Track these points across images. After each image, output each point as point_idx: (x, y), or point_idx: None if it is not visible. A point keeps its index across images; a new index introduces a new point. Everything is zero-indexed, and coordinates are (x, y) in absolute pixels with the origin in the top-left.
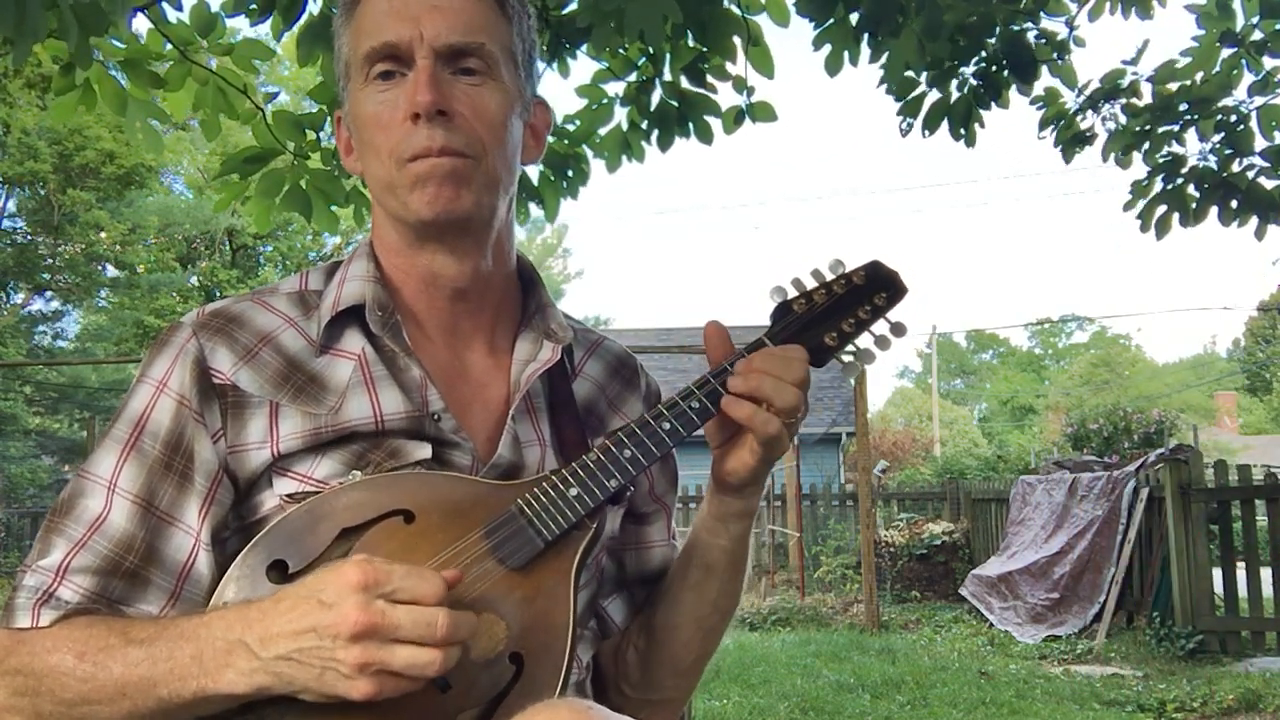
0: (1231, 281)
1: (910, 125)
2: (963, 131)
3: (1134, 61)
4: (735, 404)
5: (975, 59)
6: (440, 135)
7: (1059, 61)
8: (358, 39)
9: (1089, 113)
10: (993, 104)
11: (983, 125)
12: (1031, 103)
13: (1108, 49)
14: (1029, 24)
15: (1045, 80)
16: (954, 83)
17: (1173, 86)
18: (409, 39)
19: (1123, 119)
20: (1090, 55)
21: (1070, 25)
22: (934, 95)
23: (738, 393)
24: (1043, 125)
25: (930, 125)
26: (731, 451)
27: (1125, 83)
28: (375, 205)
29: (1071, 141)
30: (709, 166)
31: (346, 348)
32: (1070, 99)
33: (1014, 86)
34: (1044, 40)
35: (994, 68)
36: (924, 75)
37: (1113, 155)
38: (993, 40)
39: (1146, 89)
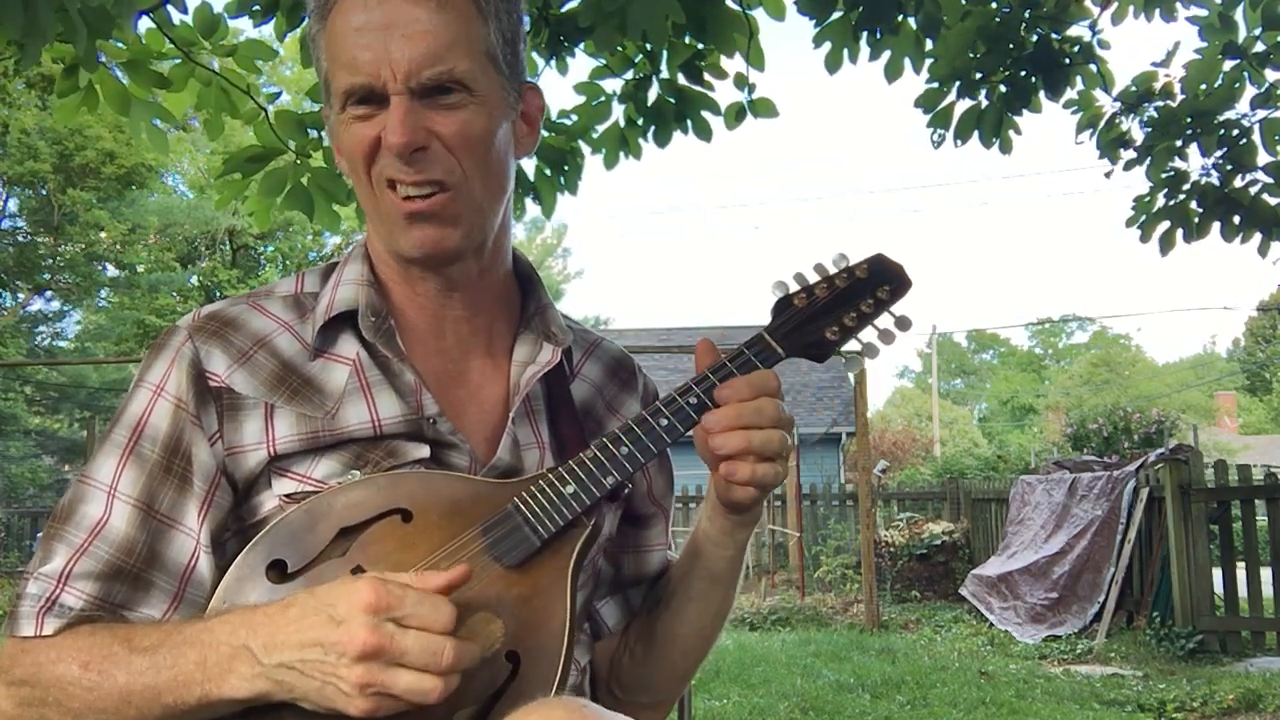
0: (1231, 281)
1: (942, 137)
2: (995, 139)
3: (1164, 63)
4: (732, 482)
5: (1003, 67)
6: (419, 170)
7: (1091, 67)
8: (333, 65)
9: (1128, 115)
10: (1024, 110)
11: (1019, 132)
12: (1065, 106)
13: (1124, 52)
14: (1053, 32)
15: (1077, 84)
16: (983, 91)
17: (1177, 97)
18: (382, 80)
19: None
20: (1109, 58)
21: (1094, 29)
22: (963, 105)
23: (724, 456)
24: (1079, 129)
25: (962, 134)
26: (731, 486)
27: (1158, 85)
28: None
29: (1114, 144)
30: (709, 166)
31: (341, 353)
32: (1106, 102)
33: (1042, 91)
34: (1075, 47)
35: (1023, 73)
36: (955, 86)
37: (1148, 161)
38: (1018, 48)
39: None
